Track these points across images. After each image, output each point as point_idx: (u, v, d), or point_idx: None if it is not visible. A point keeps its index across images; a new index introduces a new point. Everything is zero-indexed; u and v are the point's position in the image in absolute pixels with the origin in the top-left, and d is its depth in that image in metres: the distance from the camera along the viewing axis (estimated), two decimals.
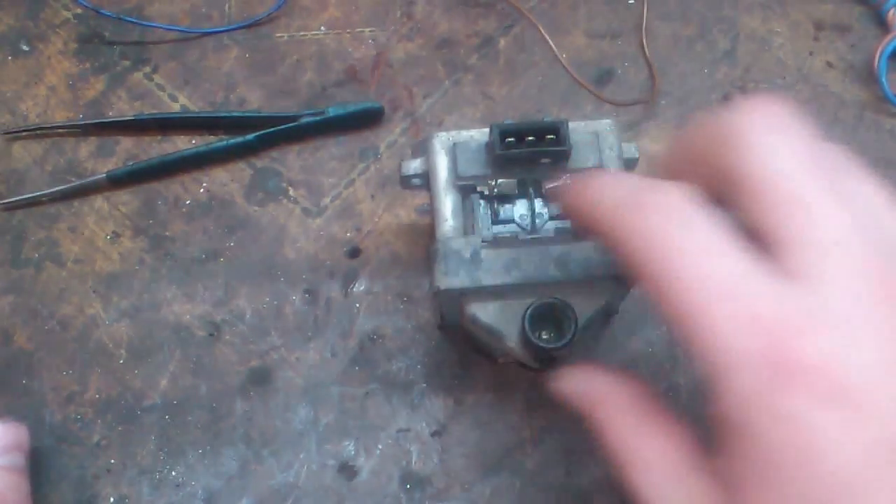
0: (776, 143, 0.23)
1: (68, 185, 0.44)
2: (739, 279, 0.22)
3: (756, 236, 0.23)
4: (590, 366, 0.30)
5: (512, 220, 0.33)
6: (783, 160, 0.23)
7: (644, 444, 0.26)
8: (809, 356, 0.20)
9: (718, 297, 0.22)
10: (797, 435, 0.20)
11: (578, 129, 0.34)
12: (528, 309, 0.32)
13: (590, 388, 0.29)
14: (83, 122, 0.45)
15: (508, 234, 0.33)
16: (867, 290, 0.21)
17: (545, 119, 0.33)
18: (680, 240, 0.23)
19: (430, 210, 0.34)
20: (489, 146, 0.33)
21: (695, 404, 0.38)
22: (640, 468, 0.25)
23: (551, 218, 0.33)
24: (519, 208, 0.34)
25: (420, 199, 0.42)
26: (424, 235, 0.42)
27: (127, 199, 0.44)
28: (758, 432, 0.21)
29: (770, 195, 0.22)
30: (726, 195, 0.24)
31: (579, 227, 0.29)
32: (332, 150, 0.45)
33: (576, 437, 0.38)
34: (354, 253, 0.42)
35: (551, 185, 0.31)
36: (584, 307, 0.32)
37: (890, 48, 0.44)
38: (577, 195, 0.28)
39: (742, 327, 0.21)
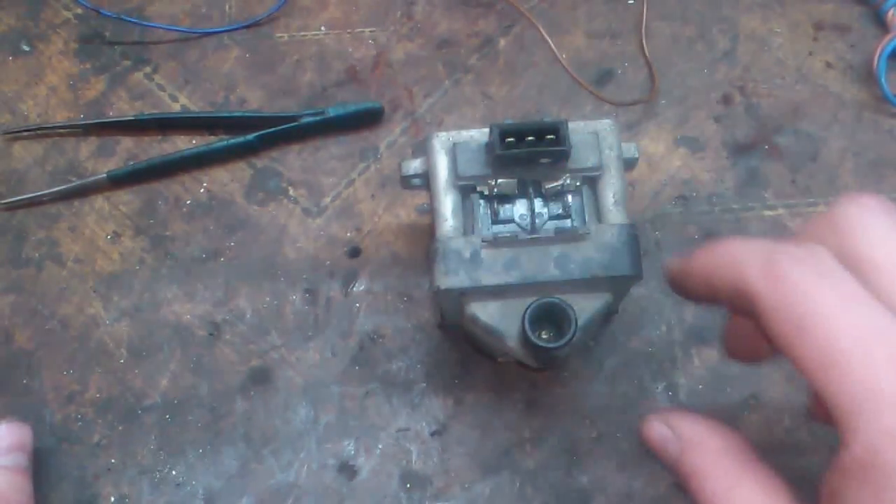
0: (883, 227, 0.26)
1: (69, 185, 0.44)
2: (889, 326, 0.23)
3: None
4: (681, 411, 0.31)
5: (512, 220, 0.33)
6: (893, 241, 0.26)
7: (735, 494, 0.26)
8: None
9: (870, 342, 0.23)
10: None
11: (578, 129, 0.34)
12: (528, 309, 0.32)
13: (681, 432, 0.29)
14: (84, 122, 0.45)
15: (508, 234, 0.33)
16: None
17: (545, 119, 0.33)
18: (830, 287, 0.25)
19: (430, 210, 0.34)
20: (489, 146, 0.33)
21: (694, 404, 0.39)
22: None
23: (551, 218, 0.33)
24: (519, 208, 0.34)
25: (420, 198, 0.42)
26: (424, 235, 0.42)
27: (127, 198, 0.44)
28: (893, 473, 0.21)
29: (886, 272, 0.25)
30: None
31: (704, 292, 0.30)
32: (332, 150, 0.45)
33: (576, 437, 0.38)
34: (354, 253, 0.42)
35: (669, 263, 0.32)
36: (584, 307, 0.32)
37: (889, 48, 0.44)
38: (707, 257, 0.29)
39: (891, 369, 0.22)
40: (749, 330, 0.30)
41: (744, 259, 0.27)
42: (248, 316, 0.41)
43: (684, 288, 0.31)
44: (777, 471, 0.27)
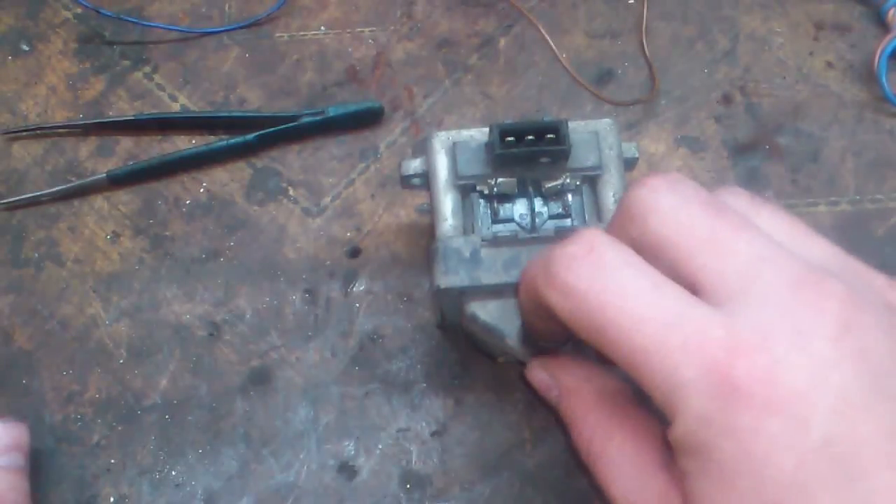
0: (672, 204, 0.25)
1: (68, 185, 0.44)
2: (679, 310, 0.23)
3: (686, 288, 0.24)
4: (563, 357, 0.31)
5: (512, 220, 0.33)
6: (682, 216, 0.25)
7: (609, 442, 0.27)
8: (748, 372, 0.22)
9: (662, 330, 0.23)
10: (745, 445, 0.21)
11: (578, 129, 0.34)
12: None
13: (559, 380, 0.30)
14: (83, 122, 0.45)
15: (508, 234, 0.33)
16: (792, 302, 0.22)
17: (545, 119, 0.33)
18: (610, 281, 0.24)
19: (430, 210, 0.34)
20: (489, 146, 0.33)
21: None
22: (606, 464, 0.26)
23: (551, 217, 0.33)
24: (519, 207, 0.34)
25: (420, 198, 0.42)
26: (424, 235, 0.42)
27: (127, 198, 0.44)
28: (711, 449, 0.22)
29: (681, 248, 0.24)
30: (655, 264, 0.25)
31: (543, 326, 0.30)
32: (332, 149, 0.45)
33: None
34: (354, 253, 0.42)
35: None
36: None
37: (890, 48, 0.44)
38: (521, 289, 0.28)
39: (688, 355, 0.22)
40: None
41: (534, 273, 0.26)
42: (248, 316, 0.41)
43: (534, 330, 0.30)
44: (652, 415, 0.27)
